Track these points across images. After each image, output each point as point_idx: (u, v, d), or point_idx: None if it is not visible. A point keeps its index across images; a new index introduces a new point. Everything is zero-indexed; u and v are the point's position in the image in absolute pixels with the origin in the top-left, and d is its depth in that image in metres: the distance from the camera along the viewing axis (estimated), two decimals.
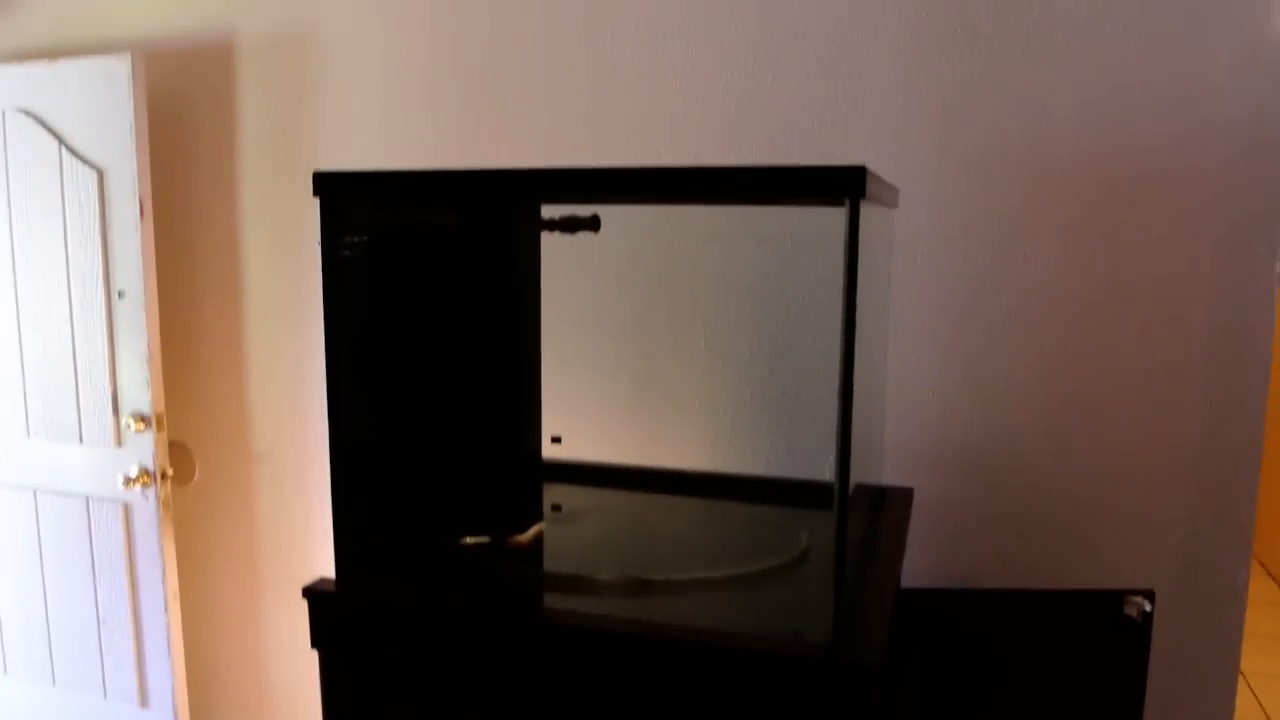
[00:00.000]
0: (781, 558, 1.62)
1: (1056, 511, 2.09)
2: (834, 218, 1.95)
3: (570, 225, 1.97)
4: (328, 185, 1.44)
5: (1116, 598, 1.89)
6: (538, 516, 1.86)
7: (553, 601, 1.49)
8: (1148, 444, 2.03)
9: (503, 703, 1.39)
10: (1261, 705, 3.39)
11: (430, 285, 1.75)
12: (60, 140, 2.62)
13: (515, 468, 2.02)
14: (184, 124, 2.70)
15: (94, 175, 2.59)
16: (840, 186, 1.18)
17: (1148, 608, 1.85)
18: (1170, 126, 1.94)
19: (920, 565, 2.16)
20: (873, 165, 2.07)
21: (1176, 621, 2.04)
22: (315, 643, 1.46)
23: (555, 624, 1.35)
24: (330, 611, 1.45)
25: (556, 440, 2.12)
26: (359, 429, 1.52)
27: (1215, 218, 1.95)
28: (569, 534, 1.79)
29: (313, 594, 1.45)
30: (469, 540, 1.67)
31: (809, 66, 2.13)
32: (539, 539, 1.73)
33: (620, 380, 2.32)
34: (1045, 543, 2.10)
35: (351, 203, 1.50)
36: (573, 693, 1.34)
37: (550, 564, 1.65)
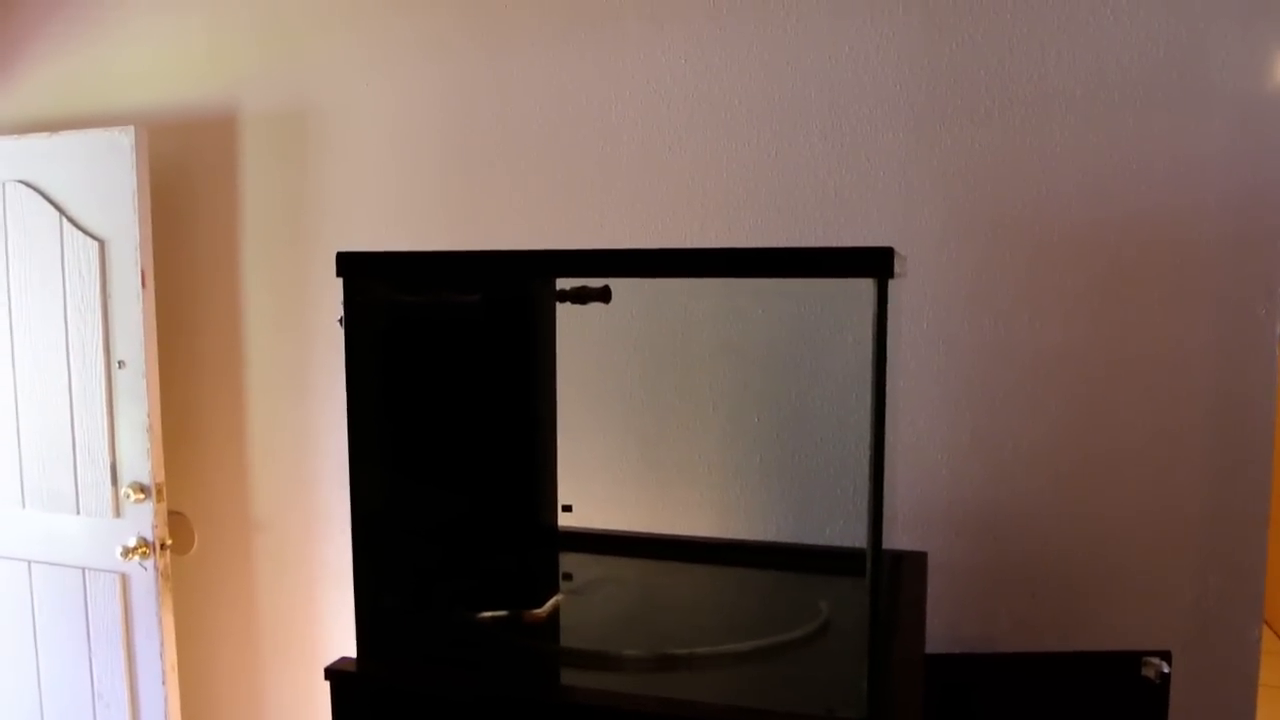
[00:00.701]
0: (804, 629, 1.61)
1: (1068, 573, 2.10)
2: (842, 286, 1.98)
3: (582, 296, 1.99)
4: (350, 265, 1.44)
5: (1134, 659, 1.89)
6: (554, 588, 1.84)
7: (577, 678, 1.47)
8: (1156, 505, 2.05)
9: None
10: None
11: (446, 359, 1.75)
12: (61, 211, 2.62)
13: (531, 538, 2.01)
14: (186, 195, 2.71)
15: (95, 246, 2.59)
16: (868, 267, 1.20)
17: (1165, 669, 1.85)
18: (1168, 195, 1.99)
19: (933, 628, 2.15)
20: (878, 235, 2.12)
21: (1191, 681, 2.04)
22: None
23: (587, 703, 1.33)
24: (353, 691, 1.43)
25: (567, 509, 2.11)
26: (378, 503, 1.52)
27: (1215, 282, 1.99)
28: (586, 606, 1.78)
29: (335, 674, 1.44)
30: (487, 615, 1.66)
31: (812, 138, 2.16)
32: (556, 612, 1.72)
33: (630, 447, 2.32)
34: (1058, 604, 2.10)
35: (372, 282, 1.50)
36: None
37: (570, 638, 1.64)
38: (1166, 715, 1.89)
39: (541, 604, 1.73)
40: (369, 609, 1.48)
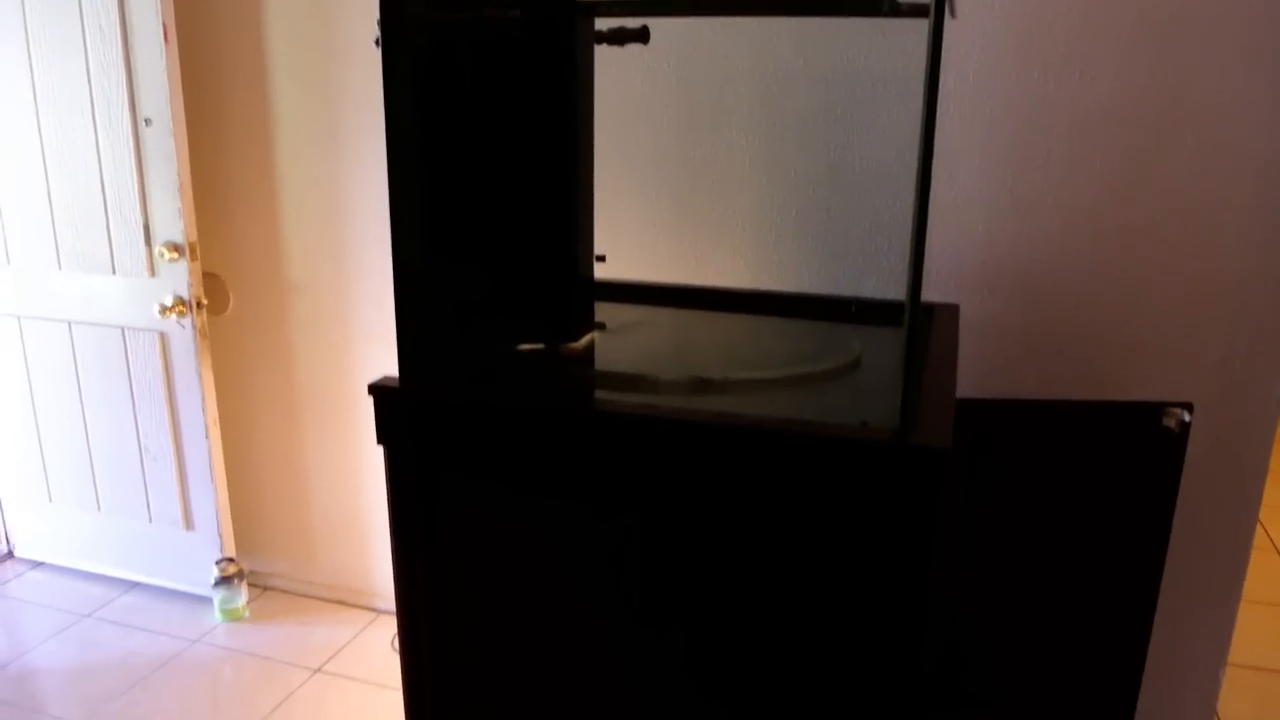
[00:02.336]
0: (836, 362, 1.64)
1: (1098, 332, 2.11)
2: (885, 37, 1.90)
3: (619, 37, 1.93)
4: None
5: (1155, 410, 1.92)
6: (590, 328, 1.87)
7: (614, 397, 1.50)
8: (1193, 268, 2.03)
9: (566, 494, 1.43)
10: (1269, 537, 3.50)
11: (484, 90, 1.71)
12: None
13: (568, 284, 2.02)
14: None
15: None
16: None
17: (1186, 419, 1.88)
18: None
19: (962, 380, 2.18)
20: None
21: (1211, 437, 2.09)
22: (381, 438, 1.50)
23: (628, 412, 1.37)
24: (394, 406, 1.47)
25: (600, 259, 2.11)
26: (417, 239, 1.52)
27: (1275, 31, 1.89)
28: (622, 344, 1.81)
29: (378, 390, 1.48)
30: (525, 346, 1.69)
31: None
32: (592, 347, 1.75)
33: (665, 199, 2.30)
34: (1086, 362, 2.12)
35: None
36: (640, 486, 1.38)
37: (606, 368, 1.67)
38: (1182, 465, 1.94)
39: (578, 340, 1.76)
40: (410, 330, 1.50)
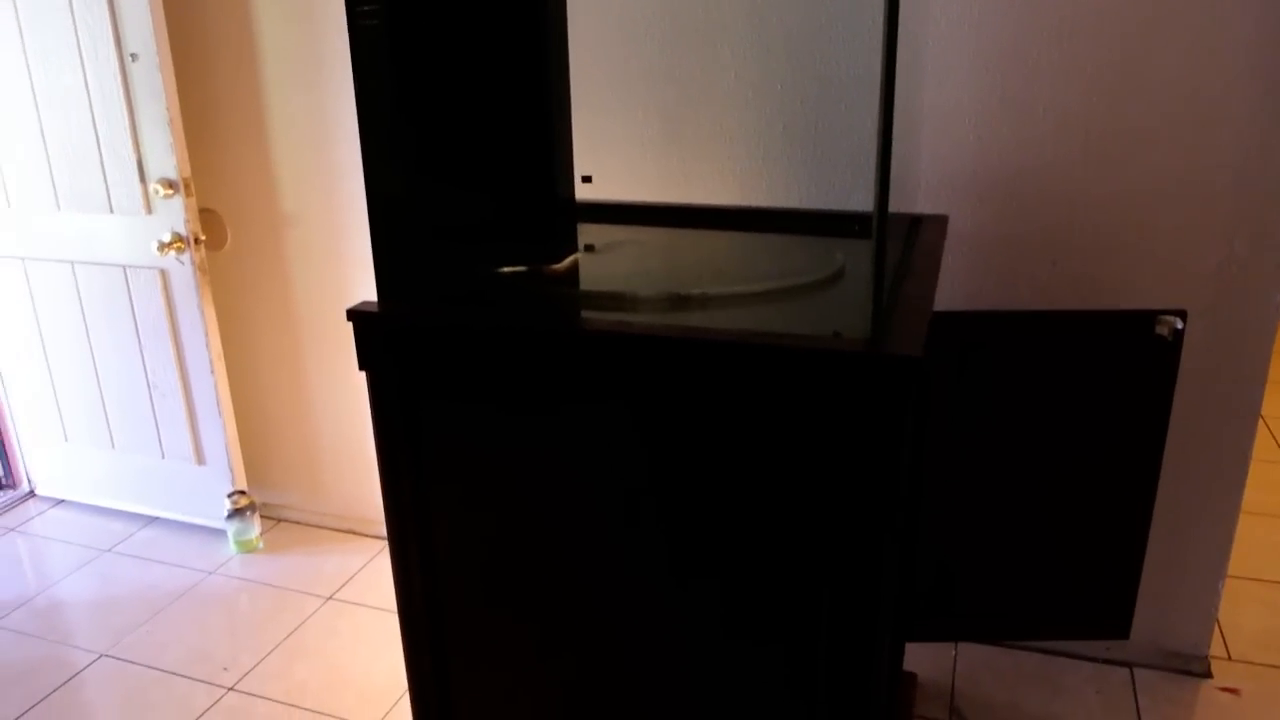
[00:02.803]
0: (817, 275, 1.63)
1: (1091, 241, 2.08)
2: None
3: None
4: None
5: (1148, 317, 1.90)
6: (573, 248, 1.86)
7: (592, 316, 1.50)
8: (1186, 173, 1.99)
9: (546, 410, 1.44)
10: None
11: (455, 10, 1.69)
12: None
13: (548, 206, 2.01)
14: None
15: None
16: None
17: (1179, 325, 1.86)
18: None
19: (953, 294, 2.18)
20: None
21: (1209, 343, 2.07)
22: (362, 364, 1.51)
23: (599, 330, 1.37)
24: (374, 331, 1.48)
25: (586, 180, 2.10)
26: (392, 164, 1.51)
27: None
28: (605, 263, 1.81)
29: (356, 315, 1.48)
30: (506, 270, 1.69)
31: None
32: (575, 268, 1.75)
33: (651, 118, 2.27)
34: (1079, 272, 2.10)
35: None
36: (617, 401, 1.39)
37: (587, 287, 1.67)
38: (1176, 373, 1.92)
39: (560, 261, 1.76)
40: (387, 254, 1.50)
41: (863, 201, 2.11)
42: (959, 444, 2.03)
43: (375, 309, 1.49)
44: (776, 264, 1.85)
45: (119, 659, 2.46)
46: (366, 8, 1.44)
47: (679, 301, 1.53)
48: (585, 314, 1.50)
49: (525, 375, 1.42)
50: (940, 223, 1.94)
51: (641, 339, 1.34)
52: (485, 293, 1.61)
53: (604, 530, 1.46)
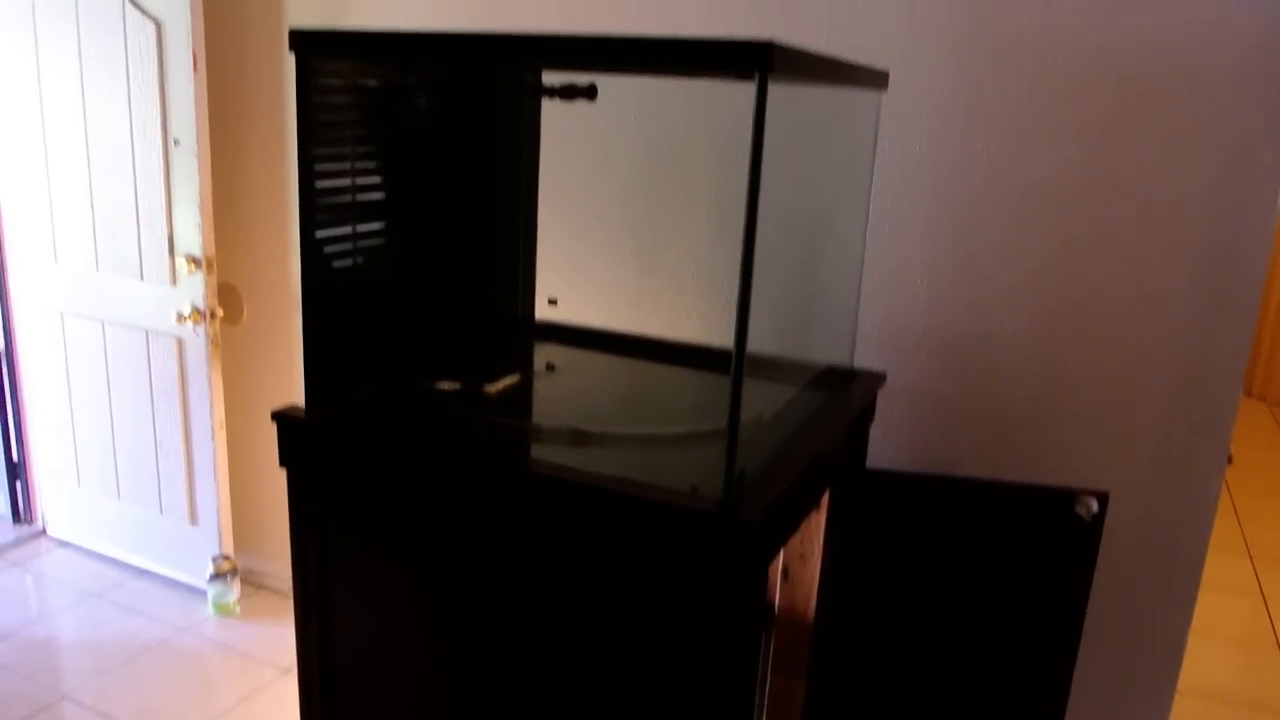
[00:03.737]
0: (719, 423, 1.70)
1: (1035, 408, 2.11)
2: (848, 99, 1.95)
3: (567, 93, 2.03)
4: (304, 43, 1.52)
5: (1068, 496, 1.91)
6: (516, 371, 1.97)
7: (495, 445, 1.60)
8: (1132, 349, 2.02)
9: (444, 530, 1.53)
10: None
11: (418, 143, 1.83)
12: None
13: (502, 324, 2.13)
14: None
15: (153, 27, 2.73)
16: (747, 61, 1.21)
17: (1095, 508, 1.87)
18: (1184, 15, 1.86)
19: (896, 451, 2.21)
20: (879, 48, 2.07)
21: (1144, 525, 2.06)
22: (282, 461, 1.62)
23: (476, 463, 1.46)
24: (294, 434, 1.60)
25: (552, 302, 2.22)
26: (336, 269, 1.64)
27: (1224, 118, 1.88)
28: (538, 388, 1.90)
29: (282, 418, 1.61)
30: (443, 385, 1.80)
31: None
32: (507, 390, 1.85)
33: (622, 250, 2.39)
34: (1021, 439, 2.13)
35: (332, 61, 1.58)
36: (492, 524, 1.47)
37: (510, 413, 1.77)
38: (1096, 555, 1.92)
39: (496, 381, 1.86)
40: (317, 356, 1.62)
41: (819, 353, 2.17)
42: (878, 596, 2.05)
43: (297, 412, 1.60)
44: (699, 404, 1.92)
45: (78, 703, 2.58)
46: (319, 99, 1.57)
47: (580, 437, 1.61)
48: (493, 440, 1.60)
49: (423, 492, 1.52)
50: (874, 379, 2.00)
51: (517, 477, 1.43)
52: (407, 407, 1.71)
53: (486, 636, 1.53)
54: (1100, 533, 1.92)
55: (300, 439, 1.60)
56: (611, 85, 2.01)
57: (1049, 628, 1.97)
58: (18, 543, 3.44)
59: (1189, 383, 1.99)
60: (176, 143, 2.79)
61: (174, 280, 2.89)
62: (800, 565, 1.97)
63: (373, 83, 1.71)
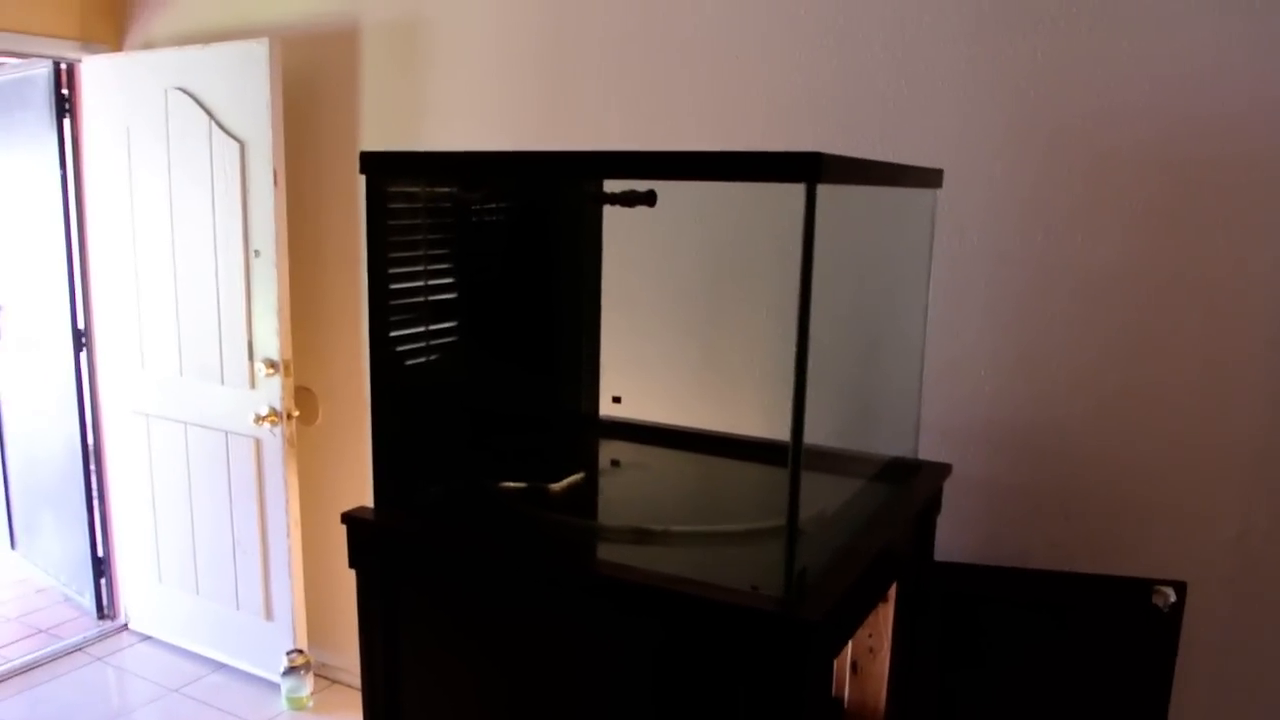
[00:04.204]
0: (783, 519, 1.71)
1: (1106, 498, 2.07)
2: (903, 195, 1.99)
3: (628, 200, 2.10)
4: (373, 165, 1.61)
5: (1145, 586, 1.87)
6: (580, 469, 2.00)
7: (559, 544, 1.62)
8: (1205, 435, 1.98)
9: (505, 626, 1.55)
10: None
11: (485, 251, 1.91)
12: (210, 115, 2.94)
13: (567, 423, 2.18)
14: (314, 101, 2.97)
15: (236, 147, 2.90)
16: (797, 172, 1.26)
17: (1172, 598, 1.83)
18: (1241, 103, 1.87)
19: (966, 543, 2.18)
20: (933, 145, 2.11)
21: (1227, 617, 1.99)
22: (352, 562, 1.67)
23: (539, 563, 1.49)
24: (362, 535, 1.65)
25: (617, 400, 2.26)
26: (405, 372, 1.71)
27: None
28: (606, 485, 1.94)
29: (351, 520, 1.66)
30: (509, 484, 1.84)
31: (874, 48, 2.16)
32: (572, 489, 1.88)
33: (686, 348, 2.43)
34: (1093, 528, 2.09)
35: (400, 180, 1.67)
36: (555, 622, 1.49)
37: (574, 512, 1.80)
38: (1176, 646, 1.87)
39: (561, 480, 1.89)
40: (386, 460, 1.67)
41: (883, 445, 2.18)
42: (951, 691, 2.01)
43: (366, 514, 1.66)
44: (762, 500, 1.93)
45: None
46: (390, 216, 1.65)
47: (643, 535, 1.63)
48: (557, 540, 1.63)
49: (488, 592, 1.55)
50: (939, 470, 1.99)
51: (579, 577, 1.46)
52: (478, 505, 1.76)
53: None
54: (1180, 623, 1.87)
55: (368, 540, 1.65)
56: (671, 189, 2.07)
57: None
58: (101, 637, 3.53)
59: (1267, 465, 1.94)
60: (257, 254, 2.93)
61: (253, 384, 3.01)
62: (869, 659, 1.95)
63: (440, 197, 1.80)
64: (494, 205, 1.94)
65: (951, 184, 2.09)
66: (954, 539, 2.19)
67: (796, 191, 2.23)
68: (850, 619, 1.58)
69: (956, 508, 2.16)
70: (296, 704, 3.07)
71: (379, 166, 1.61)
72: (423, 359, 1.77)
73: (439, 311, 1.80)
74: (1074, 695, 1.93)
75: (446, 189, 1.81)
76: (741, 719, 1.35)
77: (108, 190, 3.29)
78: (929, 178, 1.93)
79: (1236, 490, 1.97)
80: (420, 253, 1.75)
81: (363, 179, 1.61)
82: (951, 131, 2.12)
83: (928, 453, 2.17)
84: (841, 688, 1.96)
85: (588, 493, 1.90)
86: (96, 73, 3.26)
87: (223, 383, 3.08)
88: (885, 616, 1.90)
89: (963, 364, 2.16)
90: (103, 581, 3.65)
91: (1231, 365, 1.95)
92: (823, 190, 1.34)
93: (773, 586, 1.37)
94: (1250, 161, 1.88)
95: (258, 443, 3.05)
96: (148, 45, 3.26)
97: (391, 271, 1.67)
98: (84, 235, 3.44)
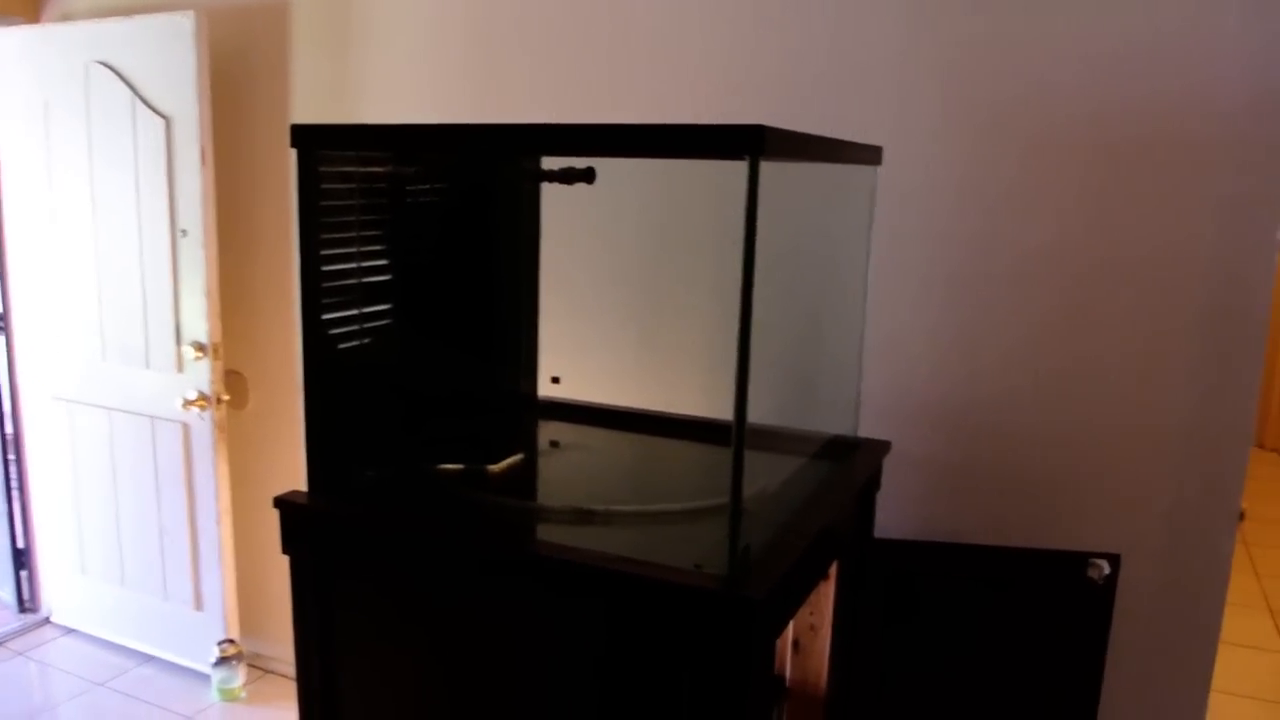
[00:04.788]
0: (725, 497, 1.70)
1: (1042, 474, 2.10)
2: (846, 174, 1.99)
3: (566, 177, 2.07)
4: (305, 138, 1.56)
5: (1079, 559, 1.90)
6: (519, 450, 1.97)
7: (499, 526, 1.60)
8: (1138, 411, 2.02)
9: (444, 610, 1.52)
10: None
11: (420, 229, 1.87)
12: (134, 90, 2.84)
13: (505, 404, 2.14)
14: (243, 77, 2.88)
15: (161, 123, 2.80)
16: (740, 146, 1.24)
17: (1107, 570, 1.86)
18: (1175, 85, 1.91)
19: (904, 520, 2.20)
20: (870, 124, 2.11)
21: (1156, 589, 2.04)
22: (285, 548, 1.62)
23: (478, 545, 1.46)
24: (295, 520, 1.60)
25: (555, 380, 2.23)
26: (338, 353, 1.66)
27: (1217, 183, 1.91)
28: (546, 467, 1.91)
29: (283, 504, 1.61)
30: (446, 466, 1.80)
31: (811, 28, 2.16)
32: (512, 470, 1.85)
33: (625, 327, 2.41)
34: (1028, 504, 2.12)
35: (330, 153, 1.62)
36: (495, 605, 1.47)
37: (514, 493, 1.77)
38: (1110, 618, 1.91)
39: (500, 461, 1.86)
40: (319, 442, 1.63)
41: (823, 424, 2.18)
42: (891, 666, 2.02)
43: (299, 498, 1.61)
44: (703, 480, 1.92)
45: None
46: (322, 192, 1.59)
47: (584, 515, 1.61)
48: (496, 521, 1.60)
49: (426, 576, 1.52)
50: (879, 447, 2.00)
51: (519, 558, 1.43)
52: (409, 489, 1.72)
53: (492, 718, 1.52)
54: (1113, 595, 1.91)
55: (301, 525, 1.61)
56: (610, 167, 2.05)
57: (1066, 694, 1.94)
58: (22, 631, 3.41)
59: (1198, 440, 1.99)
60: (184, 233, 2.83)
61: (180, 367, 2.92)
62: (811, 636, 1.95)
63: (374, 173, 1.76)
64: (429, 184, 1.90)
65: (890, 164, 2.09)
66: (891, 516, 2.20)
67: (736, 170, 2.21)
68: (793, 596, 1.58)
69: (894, 484, 2.18)
70: (229, 695, 3.00)
71: (310, 139, 1.56)
72: (357, 340, 1.72)
73: (374, 292, 1.75)
74: (1011, 667, 1.96)
75: (380, 167, 1.77)
76: (686, 698, 1.34)
77: (25, 168, 3.16)
78: (869, 155, 1.93)
79: (1168, 464, 2.02)
80: (354, 233, 1.70)
81: (294, 156, 1.56)
82: (889, 112, 2.12)
83: (866, 430, 2.19)
84: (783, 666, 1.97)
85: (527, 474, 1.87)
86: (11, 46, 3.12)
87: (148, 366, 2.98)
88: (826, 594, 1.91)
89: (900, 341, 2.18)
90: (23, 574, 3.52)
91: (1163, 343, 1.99)
92: (765, 168, 1.33)
93: (716, 565, 1.35)
94: (1184, 142, 1.92)
95: (185, 428, 2.96)
96: (66, 17, 3.13)
97: (324, 252, 1.62)
98: None
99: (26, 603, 3.53)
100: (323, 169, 1.60)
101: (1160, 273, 1.97)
